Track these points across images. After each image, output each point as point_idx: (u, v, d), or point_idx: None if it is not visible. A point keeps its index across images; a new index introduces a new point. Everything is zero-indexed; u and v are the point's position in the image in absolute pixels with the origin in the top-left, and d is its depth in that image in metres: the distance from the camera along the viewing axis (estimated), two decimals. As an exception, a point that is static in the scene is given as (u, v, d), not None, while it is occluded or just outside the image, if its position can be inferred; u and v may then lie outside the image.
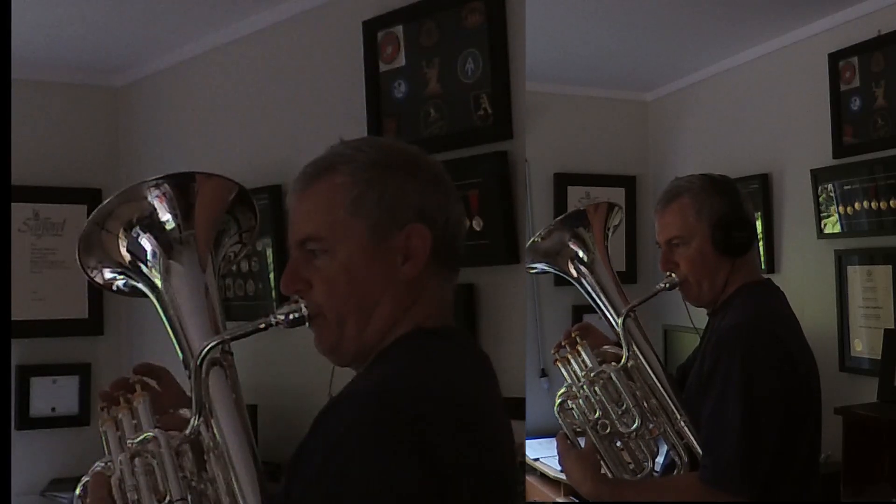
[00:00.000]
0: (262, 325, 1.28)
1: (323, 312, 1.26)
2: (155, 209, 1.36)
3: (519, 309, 2.55)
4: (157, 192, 1.36)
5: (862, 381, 3.27)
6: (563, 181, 4.39)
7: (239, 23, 3.30)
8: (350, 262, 1.25)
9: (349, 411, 1.15)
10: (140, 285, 1.40)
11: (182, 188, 1.38)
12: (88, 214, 3.91)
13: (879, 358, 3.16)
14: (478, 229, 2.52)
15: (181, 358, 1.38)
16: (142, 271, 1.37)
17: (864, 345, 3.34)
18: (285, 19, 3.15)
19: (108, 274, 1.42)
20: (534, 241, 2.14)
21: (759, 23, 3.60)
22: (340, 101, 2.96)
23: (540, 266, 2.17)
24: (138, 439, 1.28)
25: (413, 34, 2.69)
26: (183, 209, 1.37)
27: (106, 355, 3.89)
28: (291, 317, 1.26)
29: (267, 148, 3.25)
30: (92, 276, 1.42)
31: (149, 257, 1.37)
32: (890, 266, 3.23)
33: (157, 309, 1.40)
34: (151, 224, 1.36)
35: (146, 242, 1.36)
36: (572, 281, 2.15)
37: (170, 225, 1.36)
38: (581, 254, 2.12)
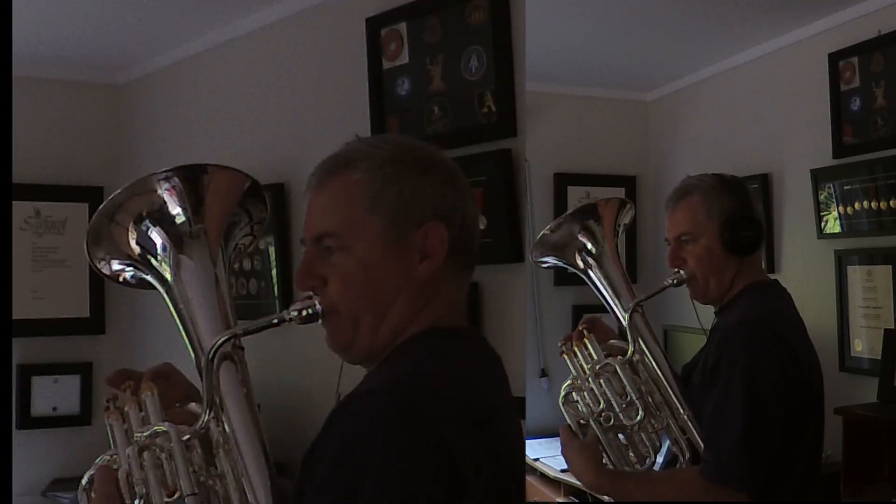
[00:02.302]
0: (276, 321, 1.27)
1: (337, 310, 1.25)
2: (165, 202, 1.35)
3: (523, 308, 2.55)
4: (166, 185, 1.35)
5: (862, 381, 3.28)
6: (563, 181, 4.40)
7: (241, 20, 3.30)
8: (367, 260, 1.24)
9: (364, 409, 1.14)
10: (149, 278, 1.39)
11: (192, 181, 1.36)
12: (90, 212, 3.94)
13: (879, 358, 3.17)
14: (481, 228, 2.52)
15: (191, 352, 1.36)
16: (152, 265, 1.36)
17: (864, 345, 3.34)
18: (288, 16, 3.14)
19: (115, 265, 1.40)
20: (543, 234, 2.15)
21: (759, 23, 3.61)
22: (343, 99, 2.95)
23: (549, 260, 2.18)
24: (148, 433, 1.26)
25: (416, 31, 2.69)
26: (193, 202, 1.35)
27: (107, 354, 3.88)
28: (305, 313, 1.25)
29: (269, 146, 3.25)
30: (99, 267, 1.40)
31: (159, 251, 1.35)
32: (890, 266, 3.24)
33: (166, 303, 1.38)
34: (161, 217, 1.35)
35: (156, 236, 1.35)
36: (579, 273, 2.15)
37: (180, 218, 1.35)
38: (589, 246, 2.13)
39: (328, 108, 3.02)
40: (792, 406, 1.89)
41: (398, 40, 2.74)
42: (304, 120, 3.11)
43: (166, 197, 1.35)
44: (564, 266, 2.17)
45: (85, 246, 1.37)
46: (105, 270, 1.40)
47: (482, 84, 2.53)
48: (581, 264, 2.14)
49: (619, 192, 4.42)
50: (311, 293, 1.26)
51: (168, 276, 1.36)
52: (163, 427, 1.26)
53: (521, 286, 2.55)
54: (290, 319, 1.26)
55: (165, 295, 1.37)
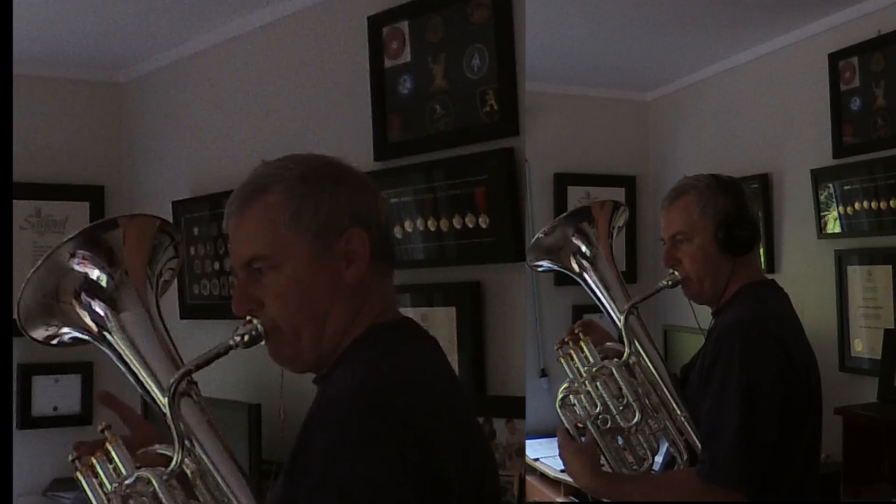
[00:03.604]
0: (223, 350, 1.30)
1: (278, 326, 1.31)
2: (86, 274, 1.37)
3: (524, 307, 2.55)
4: (76, 260, 1.37)
5: (862, 381, 3.28)
6: (563, 181, 4.41)
7: (243, 18, 3.30)
8: (298, 275, 1.30)
9: (340, 413, 1.20)
10: (104, 349, 1.41)
11: (94, 240, 1.38)
12: (91, 212, 3.93)
13: (879, 358, 3.17)
14: (484, 227, 2.53)
15: (146, 396, 1.39)
16: (107, 339, 1.38)
17: (864, 345, 3.35)
18: (290, 15, 3.15)
19: (69, 334, 1.41)
20: (537, 237, 2.15)
21: (759, 23, 3.62)
22: (345, 98, 2.96)
23: (544, 264, 2.17)
24: (129, 481, 1.28)
25: (418, 29, 2.69)
26: (107, 258, 1.38)
27: (108, 354, 3.88)
28: (247, 337, 1.30)
29: (271, 144, 3.24)
30: (36, 334, 1.40)
31: (108, 323, 1.38)
32: (890, 266, 3.24)
33: (113, 360, 1.40)
34: (92, 289, 1.37)
35: (99, 308, 1.38)
36: (574, 276, 2.15)
37: (104, 281, 1.37)
38: (584, 249, 2.12)
39: (330, 107, 3.03)
40: (788, 406, 1.89)
41: (400, 38, 2.74)
42: (306, 118, 3.12)
43: (82, 269, 1.37)
44: (559, 270, 2.16)
45: (20, 321, 1.38)
46: (37, 336, 1.41)
47: (484, 82, 2.53)
48: (576, 267, 2.14)
49: (619, 192, 4.43)
50: (250, 317, 1.31)
51: (117, 339, 1.38)
52: (144, 473, 1.28)
53: (523, 285, 2.55)
54: (236, 345, 1.30)
55: (114, 357, 1.39)
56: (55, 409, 3.84)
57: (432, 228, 2.66)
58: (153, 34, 3.52)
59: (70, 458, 1.36)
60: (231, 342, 1.30)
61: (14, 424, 3.67)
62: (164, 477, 1.28)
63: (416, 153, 2.71)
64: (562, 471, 3.51)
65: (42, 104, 3.85)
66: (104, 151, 3.99)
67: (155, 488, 1.25)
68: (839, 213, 3.44)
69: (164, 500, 1.25)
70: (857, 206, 3.35)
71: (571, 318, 4.23)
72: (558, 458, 2.04)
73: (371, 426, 1.18)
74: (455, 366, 2.54)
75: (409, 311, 2.62)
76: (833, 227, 3.48)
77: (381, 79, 2.80)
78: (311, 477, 1.18)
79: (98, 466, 1.31)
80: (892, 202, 3.21)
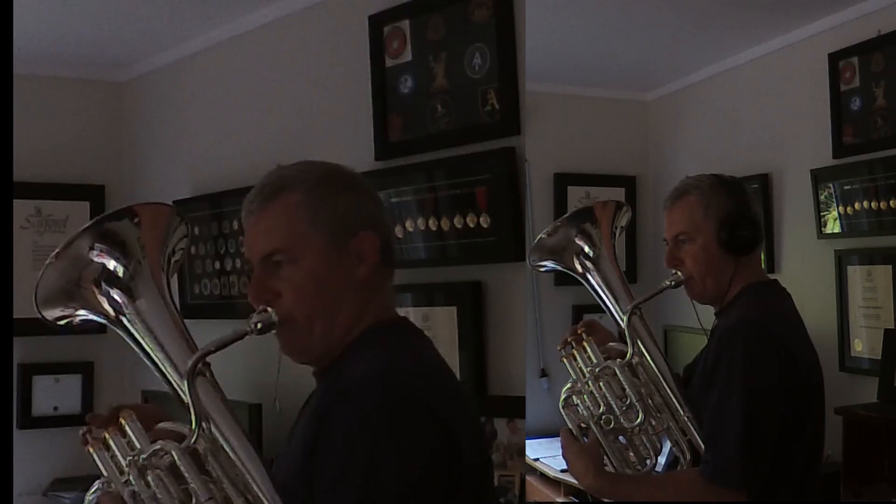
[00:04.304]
0: (238, 335, 1.34)
1: (292, 317, 1.38)
2: (104, 265, 1.39)
3: (525, 306, 2.55)
4: (94, 252, 1.38)
5: (862, 381, 3.29)
6: (563, 181, 4.41)
7: (244, 18, 3.30)
8: (315, 270, 1.39)
9: (361, 399, 1.28)
10: (121, 333, 1.43)
11: (107, 234, 1.39)
12: (91, 211, 3.93)
13: (879, 358, 3.17)
14: (485, 226, 2.53)
15: (161, 376, 1.40)
16: (123, 323, 1.41)
17: (864, 345, 3.35)
18: (290, 14, 3.15)
19: (81, 314, 1.41)
20: (540, 238, 2.15)
21: (759, 23, 3.62)
22: (346, 97, 2.96)
23: (547, 264, 2.17)
24: (148, 453, 1.30)
25: (419, 29, 2.69)
26: (121, 250, 1.40)
27: (109, 354, 3.86)
28: (261, 325, 1.36)
29: (272, 144, 3.25)
30: (47, 314, 1.40)
31: (125, 310, 1.40)
32: (890, 266, 3.25)
33: (130, 344, 1.42)
34: (110, 279, 1.39)
35: (117, 296, 1.40)
36: (577, 277, 2.15)
37: (120, 271, 1.40)
38: (587, 249, 2.12)
39: (331, 106, 3.03)
40: (790, 407, 1.89)
41: (401, 38, 2.75)
42: (307, 118, 3.12)
43: (100, 260, 1.39)
44: (562, 270, 2.16)
45: (35, 300, 1.36)
46: (50, 317, 1.41)
47: (485, 82, 2.53)
48: (579, 268, 2.14)
49: (619, 193, 4.43)
50: (265, 306, 1.37)
51: (134, 324, 1.40)
52: (164, 445, 1.30)
53: (523, 285, 2.55)
54: (252, 331, 1.36)
55: (130, 342, 1.41)
56: (55, 409, 3.83)
57: (433, 228, 2.66)
58: (153, 34, 3.52)
59: (81, 431, 1.37)
60: (248, 328, 1.35)
61: (14, 424, 3.66)
62: (182, 449, 1.30)
63: (416, 152, 2.72)
64: (563, 471, 3.54)
65: (42, 104, 3.84)
66: (104, 151, 3.99)
67: (174, 459, 1.28)
68: (839, 213, 3.44)
69: (183, 471, 1.28)
70: (857, 206, 3.35)
71: (571, 318, 4.23)
72: (558, 457, 2.04)
73: (397, 410, 1.27)
74: (456, 365, 2.54)
75: (410, 311, 2.62)
76: (833, 227, 3.49)
77: (381, 78, 2.80)
78: (333, 459, 1.25)
79: (111, 440, 1.34)
80: (892, 202, 3.21)
